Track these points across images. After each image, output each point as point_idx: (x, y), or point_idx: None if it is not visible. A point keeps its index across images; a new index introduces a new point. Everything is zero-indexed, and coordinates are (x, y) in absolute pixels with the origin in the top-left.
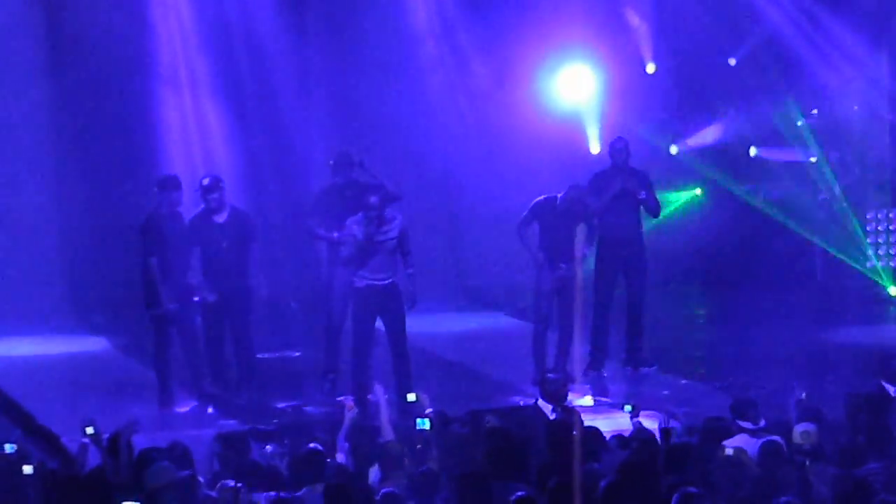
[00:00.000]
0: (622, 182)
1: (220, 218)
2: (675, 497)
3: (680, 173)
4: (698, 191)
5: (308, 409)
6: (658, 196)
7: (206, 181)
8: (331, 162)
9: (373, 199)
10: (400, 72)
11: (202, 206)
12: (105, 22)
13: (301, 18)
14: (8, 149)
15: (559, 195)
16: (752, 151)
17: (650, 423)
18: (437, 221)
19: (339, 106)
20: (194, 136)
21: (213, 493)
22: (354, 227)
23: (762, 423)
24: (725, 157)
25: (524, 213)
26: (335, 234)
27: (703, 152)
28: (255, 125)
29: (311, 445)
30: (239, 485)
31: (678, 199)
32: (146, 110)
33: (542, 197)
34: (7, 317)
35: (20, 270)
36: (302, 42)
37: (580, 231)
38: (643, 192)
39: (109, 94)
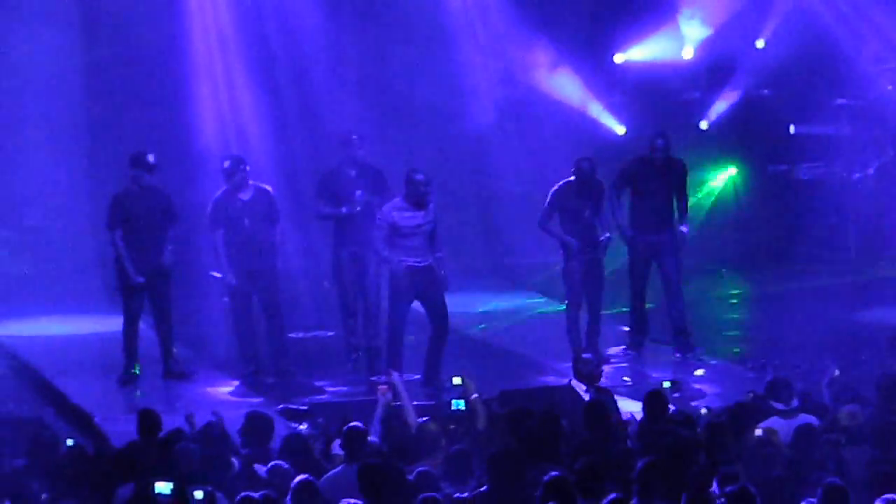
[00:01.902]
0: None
1: (245, 195)
2: (716, 479)
3: (713, 152)
4: (733, 170)
5: (342, 389)
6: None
7: (226, 164)
8: (338, 140)
9: (422, 188)
10: (432, 52)
11: (225, 187)
12: (140, 7)
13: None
14: (42, 130)
15: (571, 178)
16: (791, 129)
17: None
18: (470, 201)
19: (371, 86)
20: (227, 116)
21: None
22: (394, 212)
23: (795, 403)
24: (760, 136)
25: (544, 207)
26: (343, 210)
27: (738, 131)
28: (288, 105)
29: (353, 424)
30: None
31: (713, 178)
32: (180, 91)
33: (556, 186)
34: (40, 297)
35: (53, 251)
36: (334, 20)
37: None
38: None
39: (143, 75)
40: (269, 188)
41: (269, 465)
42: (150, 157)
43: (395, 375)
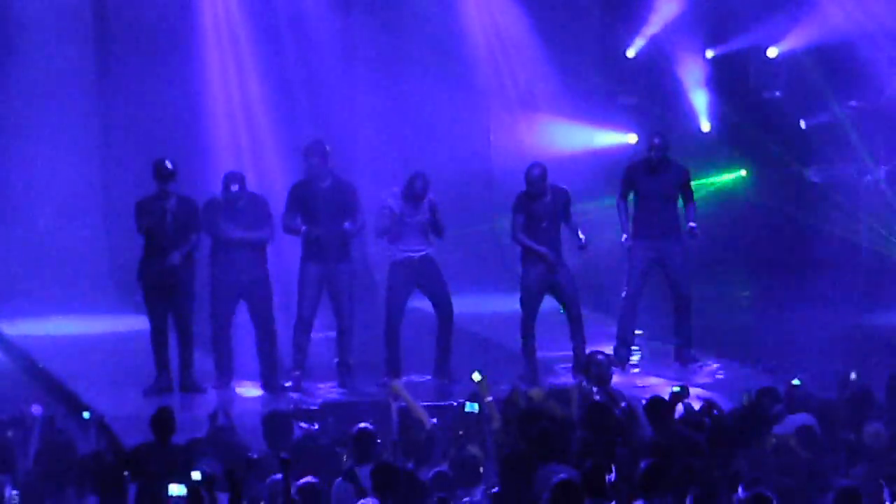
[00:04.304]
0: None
1: (234, 188)
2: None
3: (723, 153)
4: (743, 171)
5: (353, 389)
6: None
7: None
8: (304, 150)
9: (418, 183)
10: (443, 59)
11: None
12: (152, 4)
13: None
14: (53, 128)
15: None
16: (802, 124)
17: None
18: (479, 206)
19: (384, 94)
20: (240, 119)
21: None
22: (391, 200)
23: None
24: (771, 136)
25: (511, 219)
26: (302, 228)
27: (748, 132)
28: (300, 108)
29: (363, 425)
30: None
31: (722, 180)
32: (192, 91)
33: (516, 195)
34: (51, 296)
35: (64, 250)
36: (347, 26)
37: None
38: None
39: (156, 75)
40: (261, 195)
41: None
42: (168, 164)
43: (397, 382)
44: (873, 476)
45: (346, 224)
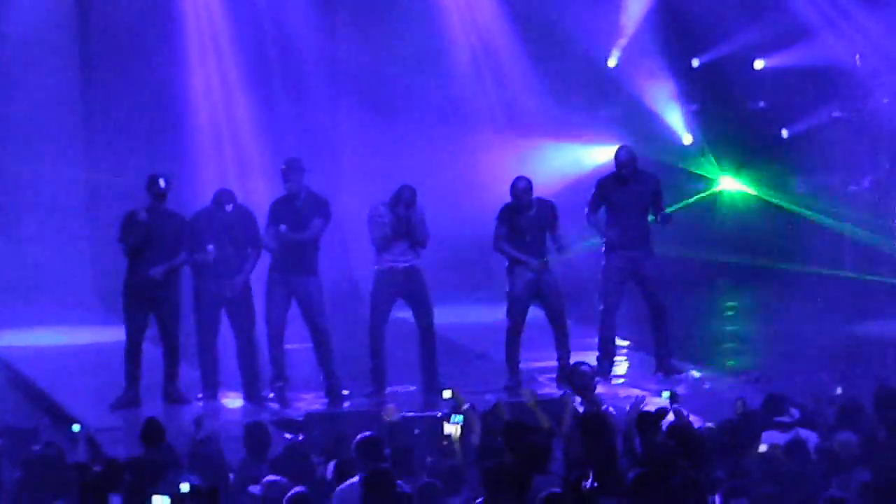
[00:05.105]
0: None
1: (219, 222)
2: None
3: (708, 164)
4: (728, 182)
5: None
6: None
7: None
8: (283, 167)
9: (405, 194)
10: (428, 64)
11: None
12: (135, 10)
13: (331, 8)
14: (38, 137)
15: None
16: (784, 133)
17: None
18: (465, 214)
19: (368, 97)
20: (223, 125)
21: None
22: (381, 207)
23: (796, 414)
24: (754, 147)
25: (494, 229)
26: (305, 233)
27: (731, 142)
28: (283, 113)
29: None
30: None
31: (707, 190)
32: (175, 99)
33: (500, 207)
34: (36, 306)
35: (49, 260)
36: (331, 30)
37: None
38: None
39: (139, 83)
40: (246, 207)
41: (265, 479)
42: (162, 183)
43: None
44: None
45: (309, 231)
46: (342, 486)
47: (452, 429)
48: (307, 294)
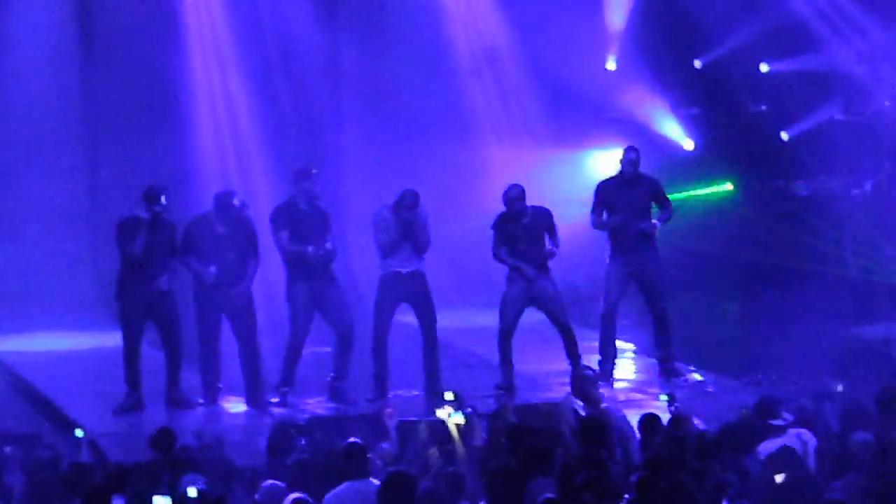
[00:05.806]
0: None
1: (221, 229)
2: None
3: (709, 168)
4: (729, 185)
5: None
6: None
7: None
8: (295, 174)
9: (409, 199)
10: (431, 69)
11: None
12: (137, 13)
13: (333, 12)
14: (40, 142)
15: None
16: (784, 136)
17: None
18: (465, 219)
19: (370, 103)
20: (225, 127)
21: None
22: (385, 212)
23: (789, 417)
24: (756, 150)
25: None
26: (309, 248)
27: (733, 146)
28: (287, 119)
29: (352, 440)
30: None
31: (708, 193)
32: (178, 104)
33: (495, 216)
34: (37, 311)
35: (50, 264)
36: (333, 36)
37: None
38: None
39: (142, 87)
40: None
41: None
42: (162, 199)
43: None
44: (856, 487)
45: (328, 244)
46: (333, 491)
47: (453, 424)
48: (330, 298)
